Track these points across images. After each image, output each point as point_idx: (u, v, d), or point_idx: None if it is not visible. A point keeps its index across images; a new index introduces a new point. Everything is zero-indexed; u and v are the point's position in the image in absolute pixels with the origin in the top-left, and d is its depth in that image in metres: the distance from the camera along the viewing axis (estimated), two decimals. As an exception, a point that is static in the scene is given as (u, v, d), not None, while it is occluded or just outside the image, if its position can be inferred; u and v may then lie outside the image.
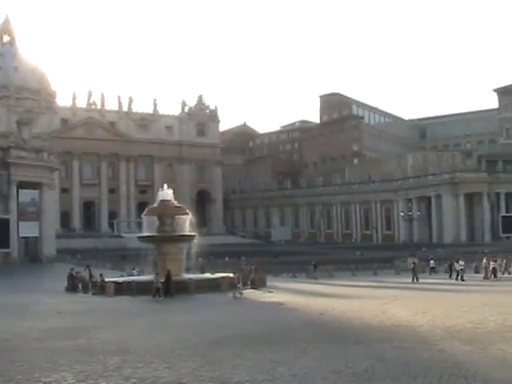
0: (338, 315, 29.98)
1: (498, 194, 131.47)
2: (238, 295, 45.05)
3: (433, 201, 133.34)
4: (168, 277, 46.70)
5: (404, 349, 18.99)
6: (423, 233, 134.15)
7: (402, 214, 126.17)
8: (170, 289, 46.19)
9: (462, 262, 59.69)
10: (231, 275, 53.68)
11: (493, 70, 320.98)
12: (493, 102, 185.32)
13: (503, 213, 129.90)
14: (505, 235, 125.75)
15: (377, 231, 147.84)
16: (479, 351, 18.06)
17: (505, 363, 16.16)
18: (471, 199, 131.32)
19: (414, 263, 64.29)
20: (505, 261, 67.65)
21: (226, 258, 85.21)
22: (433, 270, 71.04)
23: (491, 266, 60.66)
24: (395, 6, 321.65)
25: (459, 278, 57.99)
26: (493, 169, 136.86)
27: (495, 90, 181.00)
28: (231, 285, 50.63)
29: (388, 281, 60.98)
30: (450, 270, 61.93)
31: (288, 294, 46.57)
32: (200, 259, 69.48)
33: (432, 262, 72.88)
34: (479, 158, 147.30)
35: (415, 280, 58.58)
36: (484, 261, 62.63)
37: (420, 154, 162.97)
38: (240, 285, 46.81)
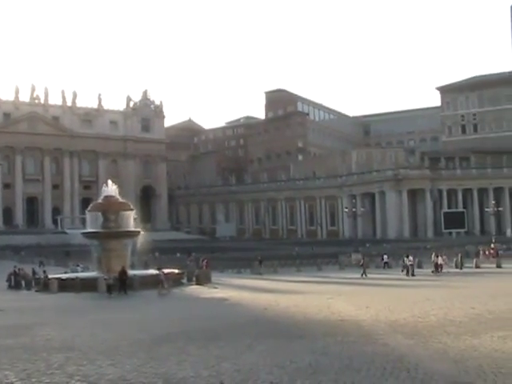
0: (282, 310, 30.13)
1: (440, 191, 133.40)
2: (164, 292, 44.71)
3: (376, 197, 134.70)
4: (123, 274, 46.15)
5: (348, 343, 19.18)
6: (367, 229, 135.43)
7: (346, 209, 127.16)
8: (125, 286, 45.68)
9: (411, 258, 60.61)
10: (176, 271, 53.86)
11: (436, 68, 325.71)
12: (435, 100, 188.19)
13: (445, 209, 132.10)
14: (447, 231, 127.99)
15: (321, 227, 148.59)
16: (421, 344, 18.34)
17: (445, 356, 16.44)
18: (414, 195, 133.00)
19: (364, 258, 65.36)
20: (459, 255, 68.85)
21: (178, 254, 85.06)
22: (386, 264, 72.20)
23: (437, 262, 61.85)
24: (339, 3, 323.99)
25: (409, 273, 58.83)
26: (435, 166, 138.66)
27: (438, 89, 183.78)
28: (175, 281, 50.66)
29: (333, 276, 61.61)
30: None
31: (233, 290, 46.66)
32: (151, 255, 69.44)
33: (385, 257, 74.05)
34: (422, 155, 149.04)
35: (364, 275, 59.43)
36: (433, 256, 63.69)
37: (364, 151, 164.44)
38: (164, 281, 46.22)
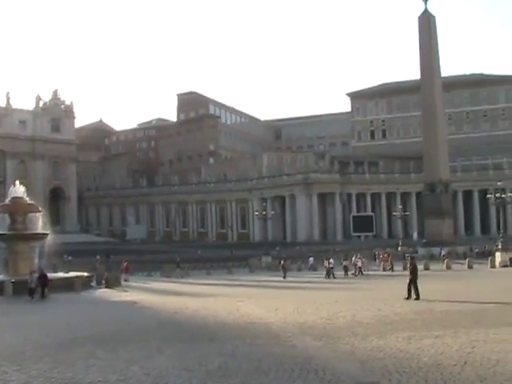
0: (192, 313, 30.09)
1: (349, 195, 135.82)
2: (35, 297, 43.50)
3: (287, 200, 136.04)
4: (44, 277, 44.42)
5: (257, 345, 19.28)
6: (278, 232, 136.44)
7: (256, 213, 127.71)
8: (44, 289, 43.94)
9: (332, 261, 61.31)
10: (85, 274, 53.19)
11: (346, 74, 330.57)
12: (346, 106, 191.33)
13: (354, 213, 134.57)
14: (355, 234, 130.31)
15: (232, 230, 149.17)
16: (329, 346, 18.58)
17: (352, 356, 16.72)
18: (324, 199, 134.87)
19: (285, 260, 66.19)
20: (390, 257, 70.43)
21: (98, 257, 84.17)
22: (312, 267, 73.13)
23: (357, 264, 62.89)
24: (252, 7, 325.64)
25: (330, 275, 59.44)
26: (345, 170, 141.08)
27: (348, 95, 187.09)
28: (84, 284, 49.97)
29: (243, 279, 61.93)
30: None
31: (143, 293, 46.44)
32: (70, 258, 68.11)
33: (311, 259, 75.00)
34: (332, 159, 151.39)
35: (284, 277, 60.21)
36: (353, 258, 64.64)
37: (275, 155, 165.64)
38: (33, 284, 44.56)
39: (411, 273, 32.83)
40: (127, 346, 20.33)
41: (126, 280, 61.10)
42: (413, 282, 32.42)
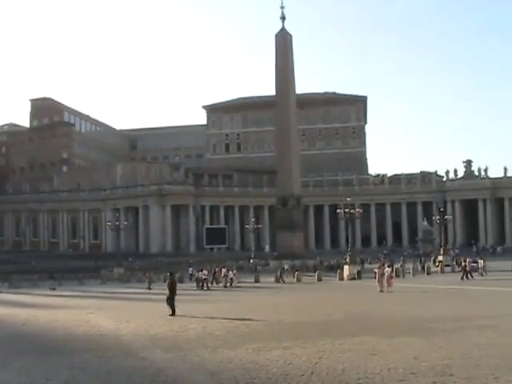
0: (41, 325, 29.45)
1: (203, 207, 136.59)
2: None
3: (140, 211, 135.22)
4: None
5: (107, 358, 19.10)
6: (130, 242, 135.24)
7: (109, 223, 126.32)
8: None
9: (205, 272, 61.11)
10: None
11: (203, 87, 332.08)
12: (202, 119, 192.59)
13: (207, 225, 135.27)
14: (208, 246, 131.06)
15: (84, 240, 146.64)
16: (179, 358, 18.64)
17: (202, 368, 16.85)
18: (178, 211, 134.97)
19: (149, 272, 65.88)
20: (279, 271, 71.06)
21: None
22: (192, 277, 72.95)
23: (229, 276, 63.12)
24: (112, 13, 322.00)
25: (204, 286, 59.08)
26: (199, 182, 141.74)
27: (204, 107, 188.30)
28: None
29: (94, 290, 61.06)
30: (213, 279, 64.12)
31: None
32: None
33: (190, 269, 74.83)
34: (187, 171, 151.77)
35: (149, 288, 59.87)
36: (223, 270, 64.78)
37: (129, 165, 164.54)
38: None
39: (169, 289, 32.52)
40: (-29, 360, 19.65)
41: None
42: (170, 298, 32.04)
